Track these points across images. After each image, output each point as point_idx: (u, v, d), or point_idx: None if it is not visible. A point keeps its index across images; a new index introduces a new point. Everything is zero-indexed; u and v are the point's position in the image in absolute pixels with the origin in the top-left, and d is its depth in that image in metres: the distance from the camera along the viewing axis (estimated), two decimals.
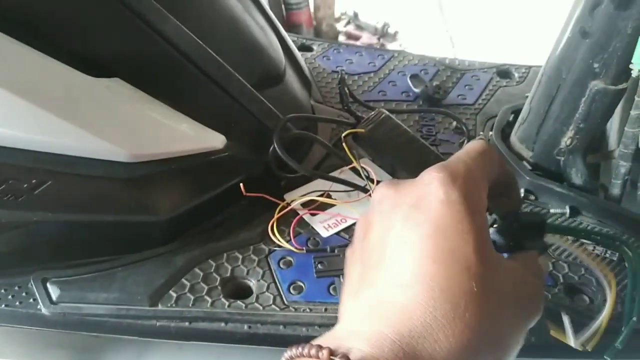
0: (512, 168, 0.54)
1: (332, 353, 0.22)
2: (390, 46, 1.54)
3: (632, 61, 0.45)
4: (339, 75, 0.61)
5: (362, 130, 0.52)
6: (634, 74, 0.45)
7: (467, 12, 1.59)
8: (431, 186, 0.27)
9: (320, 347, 0.22)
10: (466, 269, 0.24)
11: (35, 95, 0.37)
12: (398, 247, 0.26)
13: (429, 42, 1.48)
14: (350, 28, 1.66)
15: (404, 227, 0.27)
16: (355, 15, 1.66)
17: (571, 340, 0.39)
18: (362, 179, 0.49)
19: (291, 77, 0.59)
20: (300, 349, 0.23)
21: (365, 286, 0.26)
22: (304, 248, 0.46)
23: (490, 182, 0.30)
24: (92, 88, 0.40)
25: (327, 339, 0.24)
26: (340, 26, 1.66)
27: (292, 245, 0.46)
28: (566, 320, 0.40)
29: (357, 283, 0.28)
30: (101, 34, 0.40)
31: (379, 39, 1.58)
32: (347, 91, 0.59)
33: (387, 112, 0.55)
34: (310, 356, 0.22)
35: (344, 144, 0.50)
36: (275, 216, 0.48)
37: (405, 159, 0.52)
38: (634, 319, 0.40)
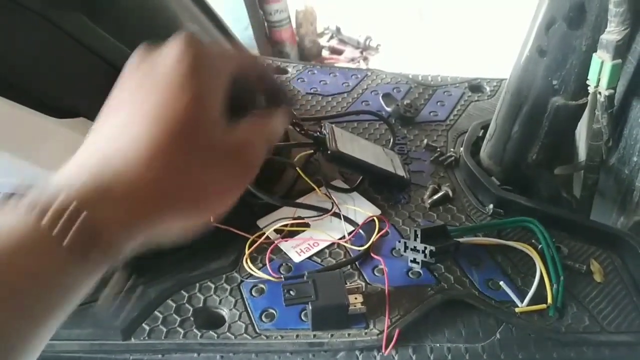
0: (480, 184, 0.55)
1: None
2: (373, 59, 1.55)
3: (588, 77, 0.46)
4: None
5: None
6: (591, 90, 0.46)
7: (449, 23, 1.61)
8: (174, 45, 0.30)
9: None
10: (172, 122, 0.27)
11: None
12: (128, 97, 0.29)
13: (410, 54, 1.49)
14: (334, 42, 1.68)
15: (141, 79, 0.30)
16: (338, 29, 1.68)
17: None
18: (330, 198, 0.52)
19: None
20: None
21: (98, 128, 0.29)
22: (281, 276, 0.46)
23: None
24: (57, 129, 0.40)
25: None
26: (323, 41, 1.68)
27: (267, 273, 0.46)
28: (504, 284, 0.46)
29: (98, 122, 0.30)
30: (63, 76, 0.41)
31: (361, 52, 1.60)
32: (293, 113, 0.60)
33: (331, 124, 0.56)
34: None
35: (297, 169, 0.52)
36: (247, 251, 0.48)
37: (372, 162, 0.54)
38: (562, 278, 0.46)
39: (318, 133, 0.55)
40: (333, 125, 0.55)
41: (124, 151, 0.27)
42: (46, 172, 0.39)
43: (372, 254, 0.48)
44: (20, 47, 0.38)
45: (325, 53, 1.64)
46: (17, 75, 0.39)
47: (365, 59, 1.57)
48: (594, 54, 0.45)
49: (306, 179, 0.52)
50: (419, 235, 0.45)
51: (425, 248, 0.45)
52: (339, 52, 1.63)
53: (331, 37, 1.70)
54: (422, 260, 0.45)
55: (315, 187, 0.52)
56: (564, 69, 0.48)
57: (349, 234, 0.50)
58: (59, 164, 0.40)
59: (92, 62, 0.40)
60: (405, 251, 0.47)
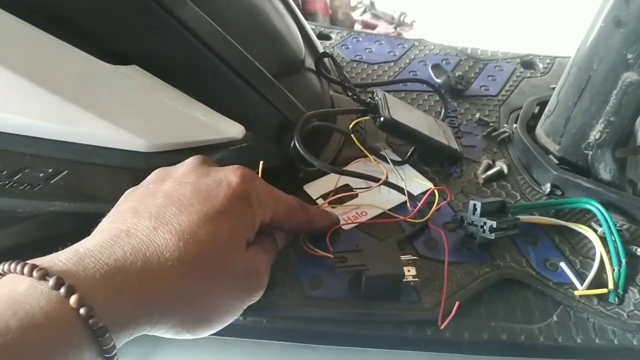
0: (537, 162, 0.53)
1: (34, 269, 0.25)
2: (407, 35, 1.51)
3: None
4: (330, 60, 0.60)
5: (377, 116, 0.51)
6: None
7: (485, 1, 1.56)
8: (232, 172, 0.34)
9: (31, 266, 0.25)
10: (207, 240, 0.30)
11: (51, 82, 0.36)
12: (171, 197, 0.32)
13: (446, 31, 1.45)
14: (367, 17, 1.64)
15: (197, 183, 0.33)
16: (372, 3, 1.64)
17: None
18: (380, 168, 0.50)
19: (310, 66, 0.58)
20: (12, 265, 0.25)
21: (125, 215, 0.31)
22: (334, 254, 0.40)
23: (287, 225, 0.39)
24: (109, 76, 0.38)
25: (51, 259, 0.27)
26: (356, 15, 1.64)
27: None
28: (564, 265, 0.44)
29: (122, 213, 0.31)
30: (118, 21, 0.39)
31: (395, 28, 1.55)
32: (346, 77, 0.58)
33: (383, 91, 0.53)
34: (16, 272, 0.25)
35: (353, 137, 0.49)
36: None
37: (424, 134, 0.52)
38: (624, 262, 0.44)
39: (369, 99, 0.53)
40: (385, 92, 0.53)
41: (162, 250, 0.28)
42: (95, 118, 0.38)
43: (430, 226, 0.46)
44: None
45: (357, 27, 1.60)
46: (75, 17, 0.37)
47: (399, 34, 1.52)
48: None
49: (361, 147, 0.49)
50: (478, 210, 0.43)
51: (485, 223, 0.42)
52: (372, 27, 1.58)
53: (364, 11, 1.66)
54: (479, 236, 0.43)
55: (369, 155, 0.50)
56: None
57: (401, 205, 0.48)
58: (111, 110, 0.39)
59: (148, 7, 0.39)
60: (461, 225, 0.45)
